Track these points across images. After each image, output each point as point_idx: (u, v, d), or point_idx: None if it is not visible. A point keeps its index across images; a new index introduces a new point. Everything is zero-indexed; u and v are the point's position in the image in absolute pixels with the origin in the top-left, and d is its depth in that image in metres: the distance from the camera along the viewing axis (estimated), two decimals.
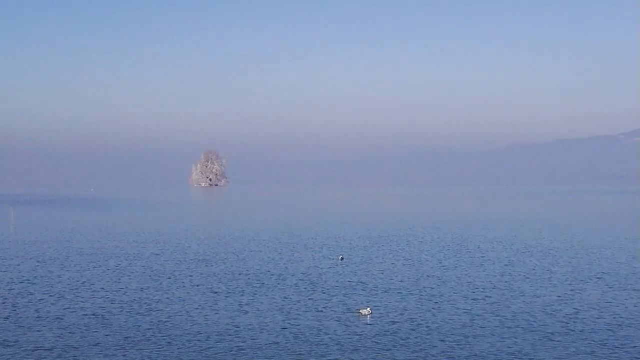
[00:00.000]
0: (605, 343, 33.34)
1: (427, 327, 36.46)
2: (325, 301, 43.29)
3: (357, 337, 34.46)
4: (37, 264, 61.33)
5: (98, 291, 47.10)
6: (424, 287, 48.05)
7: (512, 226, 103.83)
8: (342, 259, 63.30)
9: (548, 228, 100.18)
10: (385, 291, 46.60)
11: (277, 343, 33.41)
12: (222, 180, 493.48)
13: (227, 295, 45.59)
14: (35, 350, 32.44)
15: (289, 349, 32.36)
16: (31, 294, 46.23)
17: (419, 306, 41.62)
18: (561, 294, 45.60)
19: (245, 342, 33.65)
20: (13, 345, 33.29)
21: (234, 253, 68.91)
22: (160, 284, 50.16)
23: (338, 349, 32.29)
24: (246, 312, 40.10)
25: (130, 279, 52.50)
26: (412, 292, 46.12)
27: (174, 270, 56.75)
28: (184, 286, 49.07)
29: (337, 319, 38.21)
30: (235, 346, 32.92)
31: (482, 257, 65.08)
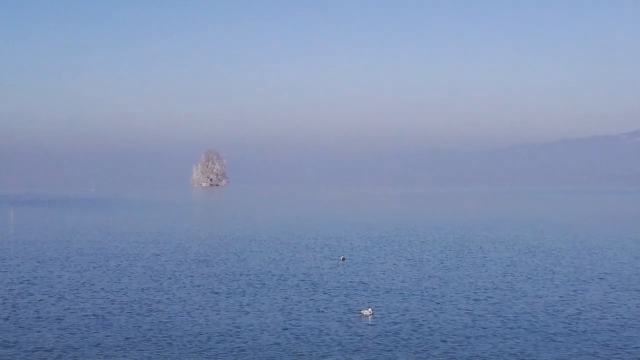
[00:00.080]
0: (607, 344, 33.20)
1: (429, 327, 36.32)
2: (327, 302, 43.15)
3: (359, 337, 34.33)
4: (37, 264, 61.21)
5: (98, 292, 46.97)
6: (426, 288, 47.91)
7: (514, 226, 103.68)
8: (343, 259, 63.16)
9: (550, 228, 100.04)
10: (387, 292, 46.46)
11: (278, 344, 33.28)
12: (223, 181, 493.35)
13: (228, 295, 45.46)
14: (36, 351, 32.31)
15: (290, 350, 32.22)
16: (31, 294, 46.11)
17: (420, 307, 41.48)
18: (563, 294, 45.46)
19: (246, 342, 33.52)
20: (13, 346, 33.17)
21: (235, 253, 68.78)
22: (161, 284, 50.03)
23: (339, 350, 32.15)
24: (247, 313, 39.97)
25: (130, 279, 52.37)
26: (413, 293, 45.98)
27: (175, 271, 56.62)
28: (185, 287, 48.94)
29: (338, 320, 38.07)
30: (236, 347, 32.79)
31: (484, 257, 64.93)
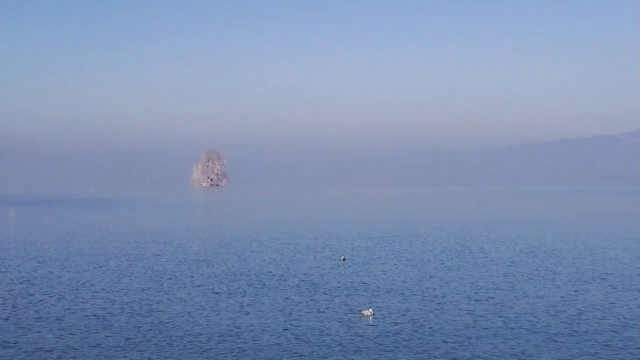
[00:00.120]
0: (609, 344, 33.12)
1: (430, 328, 36.24)
2: (327, 302, 43.07)
3: (359, 338, 34.25)
4: (37, 264, 61.13)
5: (98, 292, 46.89)
6: (427, 288, 47.83)
7: (515, 226, 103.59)
8: (344, 259, 63.07)
9: (551, 228, 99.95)
10: (388, 292, 46.38)
11: (279, 344, 33.20)
12: (224, 181, 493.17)
13: (228, 296, 45.38)
14: (36, 351, 32.24)
15: (290, 350, 32.14)
16: (31, 294, 46.02)
17: (421, 307, 41.40)
18: (564, 294, 45.37)
19: (246, 343, 33.44)
20: (13, 346, 33.09)
21: (235, 254, 68.70)
22: (161, 284, 49.95)
23: (340, 350, 32.08)
24: (247, 313, 39.89)
25: (130, 279, 52.29)
26: (414, 293, 45.90)
27: (175, 271, 56.54)
28: (185, 287, 48.86)
29: (339, 320, 37.99)
30: (237, 347, 32.71)
31: (484, 257, 64.85)
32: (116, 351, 32.13)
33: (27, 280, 51.77)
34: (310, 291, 46.84)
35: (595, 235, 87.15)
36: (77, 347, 32.76)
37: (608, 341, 33.63)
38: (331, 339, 34.01)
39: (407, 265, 59.44)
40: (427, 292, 46.44)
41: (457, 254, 67.81)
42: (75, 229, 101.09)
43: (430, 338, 34.24)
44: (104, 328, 36.44)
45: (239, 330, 35.96)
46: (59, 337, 34.56)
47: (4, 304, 42.86)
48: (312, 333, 35.23)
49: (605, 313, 39.59)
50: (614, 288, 47.73)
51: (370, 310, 39.27)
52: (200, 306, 41.94)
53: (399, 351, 32.01)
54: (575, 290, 46.78)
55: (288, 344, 33.19)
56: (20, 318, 38.77)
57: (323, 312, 40.19)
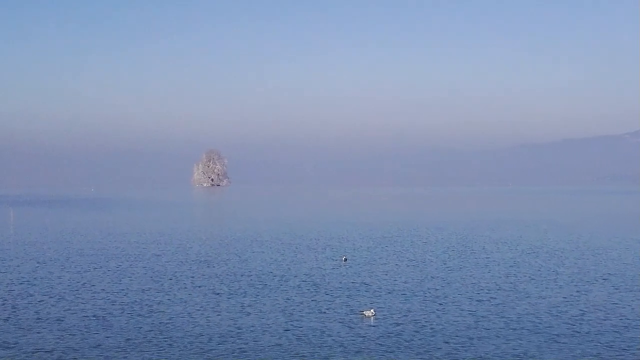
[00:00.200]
0: (611, 345, 32.99)
1: (432, 328, 36.09)
2: (329, 303, 42.92)
3: (361, 339, 34.10)
4: (37, 265, 61.00)
5: (99, 292, 46.76)
6: (428, 289, 47.67)
7: (517, 227, 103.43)
8: (345, 260, 62.92)
9: (553, 229, 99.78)
10: (389, 292, 46.22)
11: (280, 345, 33.06)
12: (224, 181, 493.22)
13: (229, 296, 45.24)
14: (36, 352, 32.12)
15: (291, 351, 32.01)
16: (31, 295, 45.89)
17: (423, 308, 41.25)
18: (567, 295, 45.22)
19: (247, 343, 33.31)
20: (13, 347, 32.97)
21: (236, 254, 68.57)
22: (162, 285, 49.81)
23: (341, 351, 31.94)
24: (248, 314, 39.75)
25: (131, 280, 52.15)
26: (416, 294, 45.75)
27: (176, 272, 56.41)
28: (186, 287, 48.72)
29: (340, 321, 37.85)
30: (238, 348, 32.58)
31: (487, 258, 64.70)
32: (117, 352, 31.99)
33: (27, 281, 51.64)
34: (312, 292, 46.69)
35: (597, 236, 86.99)
36: (78, 348, 32.63)
37: (610, 342, 33.49)
38: (332, 340, 33.87)
39: (408, 266, 59.29)
40: (429, 292, 46.28)
41: (458, 254, 67.65)
42: (76, 230, 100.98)
43: (431, 339, 34.09)
44: (104, 329, 36.30)
45: (240, 331, 35.82)
46: (59, 338, 34.43)
47: (4, 304, 42.74)
48: (314, 334, 35.09)
49: (608, 314, 39.44)
50: (617, 289, 47.57)
51: (372, 310, 39.12)
52: (201, 307, 41.80)
53: (401, 352, 31.87)
54: (577, 291, 46.62)
55: (289, 345, 33.06)
56: (21, 319, 38.64)
57: (324, 312, 40.05)
